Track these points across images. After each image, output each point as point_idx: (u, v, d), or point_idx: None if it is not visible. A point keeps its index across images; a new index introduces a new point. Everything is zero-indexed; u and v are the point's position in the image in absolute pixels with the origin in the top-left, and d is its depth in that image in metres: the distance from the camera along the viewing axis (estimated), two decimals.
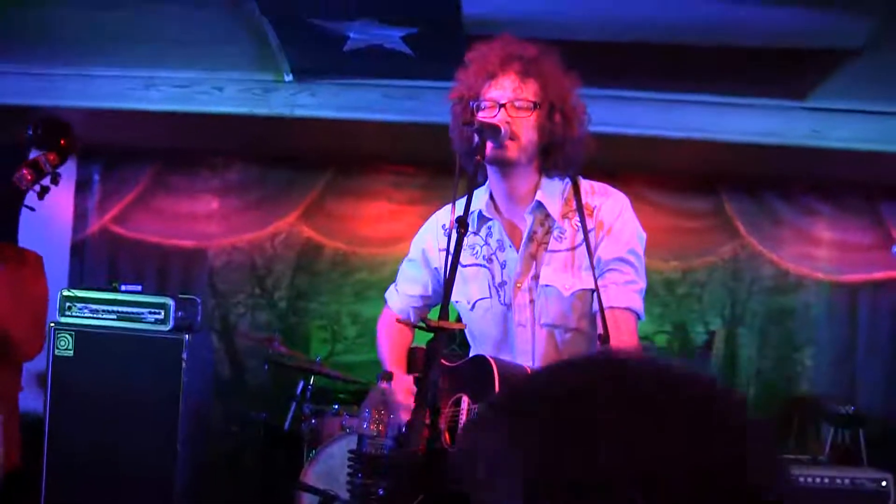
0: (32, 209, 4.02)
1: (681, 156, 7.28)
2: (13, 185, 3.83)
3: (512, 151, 3.19)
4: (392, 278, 3.92)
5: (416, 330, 3.89)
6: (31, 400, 5.95)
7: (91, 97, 6.49)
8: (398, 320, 3.79)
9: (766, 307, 8.28)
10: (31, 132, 3.98)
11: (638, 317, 3.29)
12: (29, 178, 3.84)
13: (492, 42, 3.32)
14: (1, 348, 4.06)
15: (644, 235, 3.36)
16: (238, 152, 8.54)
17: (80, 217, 8.69)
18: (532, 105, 3.18)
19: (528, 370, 3.24)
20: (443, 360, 3.18)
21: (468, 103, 3.28)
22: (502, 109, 3.17)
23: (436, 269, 3.61)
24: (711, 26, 5.35)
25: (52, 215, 8.23)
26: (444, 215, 3.59)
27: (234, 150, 8.52)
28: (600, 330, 3.00)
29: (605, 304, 3.09)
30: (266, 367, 7.20)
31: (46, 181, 3.96)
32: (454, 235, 2.92)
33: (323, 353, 8.01)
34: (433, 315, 3.08)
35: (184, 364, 6.25)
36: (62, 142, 3.97)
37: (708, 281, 8.29)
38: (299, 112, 6.56)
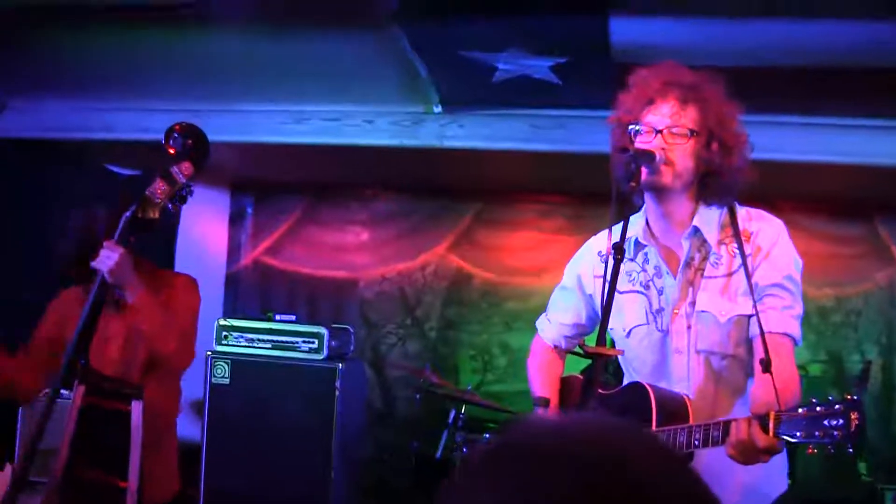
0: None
1: (833, 181, 7.13)
2: (147, 199, 3.73)
3: (666, 177, 3.17)
4: (541, 308, 3.91)
5: (567, 360, 3.91)
6: (189, 427, 6.11)
7: (243, 132, 6.63)
8: (554, 348, 3.80)
9: None
10: (166, 141, 3.85)
11: (795, 343, 3.24)
12: (163, 187, 3.75)
13: (654, 67, 3.31)
14: (153, 363, 4.25)
15: (801, 262, 3.31)
16: (388, 184, 8.65)
17: (233, 249, 8.91)
18: (689, 132, 3.16)
19: (685, 398, 3.22)
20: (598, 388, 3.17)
21: (626, 128, 3.27)
22: (659, 135, 3.16)
23: (590, 295, 3.60)
24: (863, 48, 5.25)
25: (207, 247, 8.45)
26: (600, 241, 3.55)
27: (383, 182, 8.63)
28: (761, 355, 2.95)
29: (763, 330, 3.05)
30: (418, 396, 7.25)
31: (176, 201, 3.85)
32: (611, 262, 2.92)
33: (473, 383, 8.04)
34: (589, 342, 3.08)
35: (337, 392, 6.35)
36: (196, 149, 3.87)
37: (863, 308, 8.06)
38: (448, 143, 6.58)
